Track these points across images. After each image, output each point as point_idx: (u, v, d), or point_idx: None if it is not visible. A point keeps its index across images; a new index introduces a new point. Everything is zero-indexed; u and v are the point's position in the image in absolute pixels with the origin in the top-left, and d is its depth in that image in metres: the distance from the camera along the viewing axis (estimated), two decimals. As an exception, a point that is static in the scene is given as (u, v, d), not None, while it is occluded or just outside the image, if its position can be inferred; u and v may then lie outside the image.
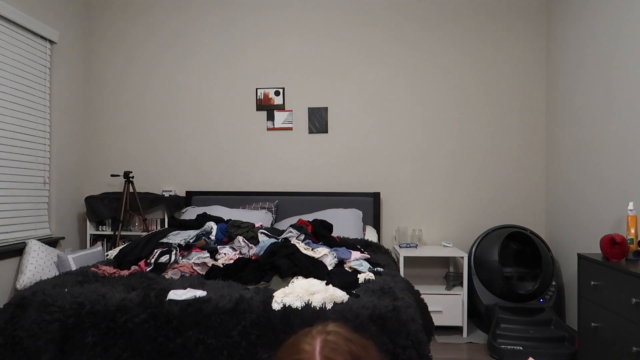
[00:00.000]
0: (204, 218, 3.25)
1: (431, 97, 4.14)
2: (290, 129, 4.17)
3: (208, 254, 2.65)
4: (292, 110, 4.16)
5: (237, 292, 2.00)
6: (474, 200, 4.10)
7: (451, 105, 4.13)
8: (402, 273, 3.50)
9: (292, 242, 2.67)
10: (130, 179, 3.84)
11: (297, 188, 4.18)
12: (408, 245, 3.84)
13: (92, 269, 2.50)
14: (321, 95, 4.15)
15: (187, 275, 2.43)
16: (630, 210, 2.68)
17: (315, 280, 2.05)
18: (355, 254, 2.68)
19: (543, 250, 3.59)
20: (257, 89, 4.21)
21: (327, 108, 4.12)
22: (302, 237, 2.78)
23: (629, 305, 2.29)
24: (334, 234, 3.16)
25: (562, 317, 3.66)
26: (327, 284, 2.05)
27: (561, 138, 3.79)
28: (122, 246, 2.87)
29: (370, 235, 3.64)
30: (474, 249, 3.80)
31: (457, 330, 3.66)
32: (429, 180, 4.14)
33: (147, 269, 2.51)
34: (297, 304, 1.84)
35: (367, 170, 4.16)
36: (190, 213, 3.71)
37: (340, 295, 1.92)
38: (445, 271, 4.07)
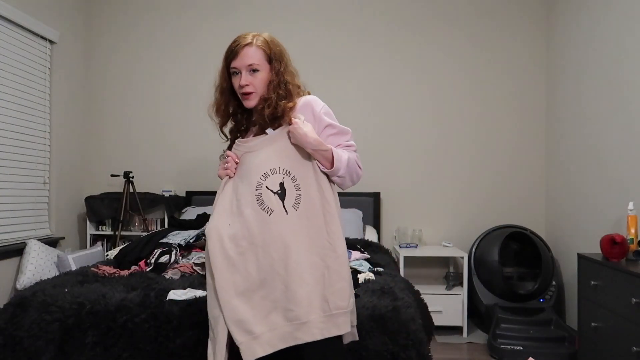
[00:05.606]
0: (204, 218, 3.25)
1: (431, 98, 4.14)
2: (290, 129, 4.16)
3: (208, 254, 2.65)
4: (292, 110, 4.14)
5: (237, 292, 2.00)
6: (474, 200, 4.10)
7: (451, 105, 4.13)
8: (402, 273, 3.50)
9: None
10: (130, 179, 3.84)
11: (297, 188, 4.17)
12: (408, 245, 3.84)
13: (92, 269, 2.50)
14: (320, 96, 4.12)
15: (187, 275, 2.43)
16: (630, 210, 2.68)
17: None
18: (355, 254, 2.68)
19: (543, 250, 3.59)
20: (257, 89, 4.20)
21: (327, 108, 4.10)
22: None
23: (629, 305, 2.29)
24: (334, 234, 3.15)
25: (562, 317, 3.66)
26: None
27: (561, 138, 3.79)
28: (122, 246, 2.87)
29: (370, 235, 3.64)
30: (474, 249, 3.80)
31: (457, 330, 3.66)
32: (429, 180, 4.14)
33: (147, 269, 2.51)
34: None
35: (367, 170, 4.15)
36: (190, 213, 3.71)
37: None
38: (445, 271, 4.07)
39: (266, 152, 1.55)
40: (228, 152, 1.62)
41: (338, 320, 1.45)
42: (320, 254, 1.49)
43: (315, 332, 1.42)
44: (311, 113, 1.63)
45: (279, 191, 1.51)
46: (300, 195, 1.52)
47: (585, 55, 3.43)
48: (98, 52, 4.33)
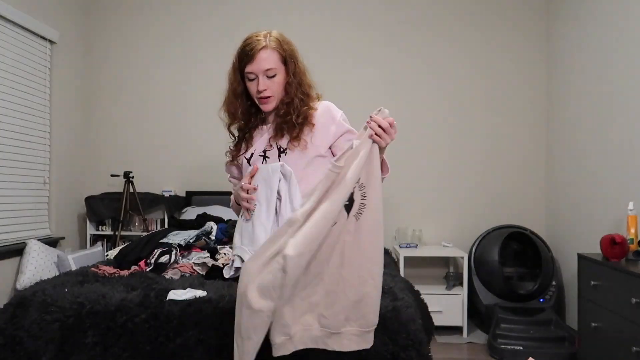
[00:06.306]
0: (204, 218, 3.24)
1: (430, 98, 4.14)
2: (290, 129, 4.16)
3: (208, 254, 2.64)
4: (292, 110, 4.14)
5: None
6: (474, 201, 4.10)
7: (451, 106, 4.13)
8: (402, 273, 3.50)
9: (292, 242, 2.66)
10: (130, 179, 3.84)
11: (297, 188, 4.17)
12: (408, 245, 3.84)
13: (92, 269, 2.50)
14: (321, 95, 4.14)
15: (187, 275, 2.43)
16: (630, 210, 2.68)
17: (316, 280, 2.05)
18: (356, 254, 2.67)
19: (543, 250, 3.59)
20: (257, 89, 4.20)
21: (327, 108, 4.10)
22: (302, 237, 2.77)
23: (629, 305, 2.29)
24: (334, 234, 3.15)
25: (562, 317, 3.66)
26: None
27: (561, 138, 3.79)
28: (122, 246, 2.86)
29: (370, 235, 3.63)
30: (474, 249, 3.80)
31: (457, 330, 3.66)
32: (429, 180, 4.14)
33: (147, 269, 2.50)
34: (297, 303, 1.84)
35: (367, 170, 4.15)
36: (190, 213, 3.71)
37: (341, 295, 1.92)
38: (445, 271, 4.07)
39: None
40: (245, 185, 1.55)
41: (369, 336, 1.44)
42: (370, 270, 1.42)
43: (345, 343, 1.40)
44: (331, 119, 1.64)
45: (347, 203, 1.43)
46: (364, 204, 1.43)
47: (585, 56, 3.43)
48: (98, 52, 4.33)
